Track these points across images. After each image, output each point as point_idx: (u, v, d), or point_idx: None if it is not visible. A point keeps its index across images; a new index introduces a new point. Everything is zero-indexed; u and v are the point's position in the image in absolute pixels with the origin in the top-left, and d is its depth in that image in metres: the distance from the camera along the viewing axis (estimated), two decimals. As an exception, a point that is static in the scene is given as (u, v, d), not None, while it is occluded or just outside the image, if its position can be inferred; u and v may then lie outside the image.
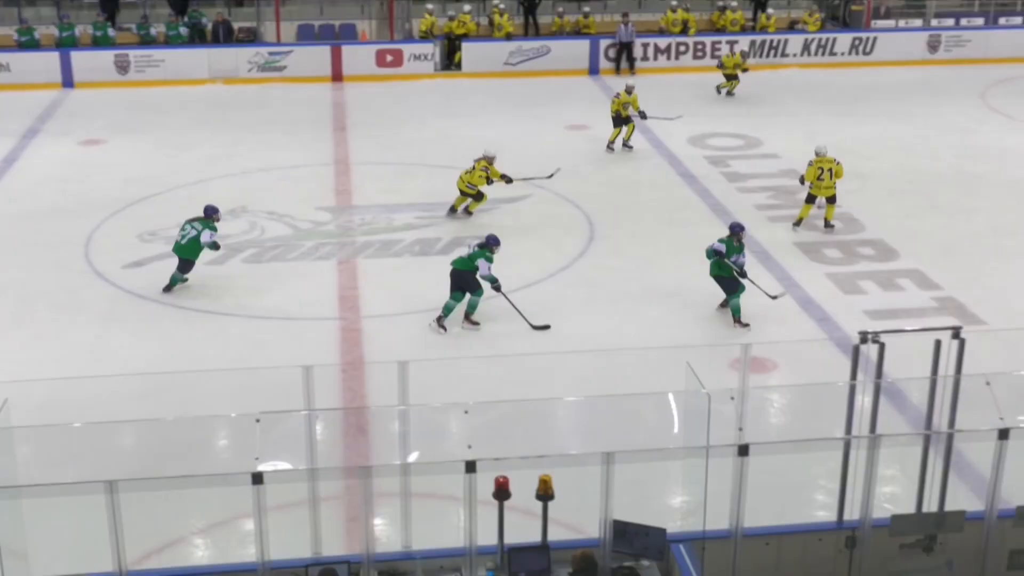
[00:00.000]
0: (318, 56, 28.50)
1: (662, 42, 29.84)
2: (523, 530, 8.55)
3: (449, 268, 14.82)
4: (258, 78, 28.13)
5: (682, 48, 29.86)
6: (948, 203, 19.55)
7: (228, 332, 14.77)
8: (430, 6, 29.97)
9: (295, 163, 21.62)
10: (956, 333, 9.31)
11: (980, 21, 31.45)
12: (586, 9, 30.88)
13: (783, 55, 30.14)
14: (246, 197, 19.60)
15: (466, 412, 8.33)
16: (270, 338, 14.52)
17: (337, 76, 28.40)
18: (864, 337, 9.24)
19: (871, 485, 8.65)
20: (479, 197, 18.59)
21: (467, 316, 14.78)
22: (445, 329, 14.61)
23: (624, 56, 29.33)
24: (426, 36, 29.23)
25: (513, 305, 14.79)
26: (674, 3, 30.49)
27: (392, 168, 21.46)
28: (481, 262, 14.54)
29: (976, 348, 9.43)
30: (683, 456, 8.72)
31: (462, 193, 18.56)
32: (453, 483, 8.13)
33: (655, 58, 29.72)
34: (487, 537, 8.35)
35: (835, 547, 9.02)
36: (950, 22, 31.28)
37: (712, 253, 14.83)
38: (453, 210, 18.69)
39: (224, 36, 29.16)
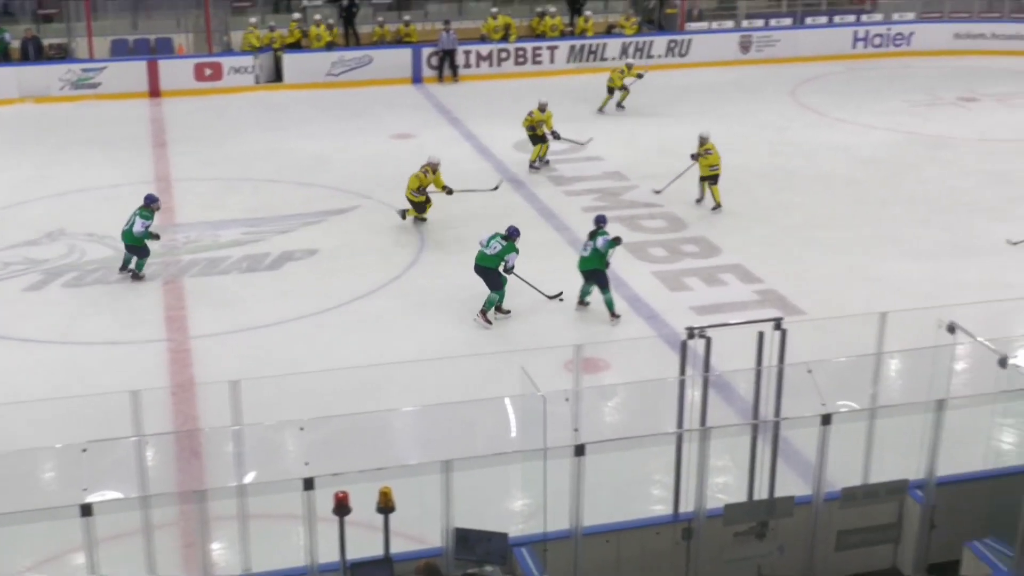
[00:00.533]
0: (134, 71, 27.77)
1: (484, 49, 30.06)
2: (365, 545, 8.48)
3: (474, 265, 15.31)
4: (71, 96, 27.25)
5: (504, 55, 30.13)
6: (765, 199, 20.21)
7: (50, 360, 14.26)
8: (253, 19, 29.52)
9: (114, 182, 21.00)
10: (778, 324, 9.62)
11: (788, 21, 32.62)
12: (407, 17, 30.88)
13: (602, 59, 30.68)
14: (64, 219, 18.96)
15: (302, 429, 8.23)
16: (95, 364, 14.08)
17: (155, 91, 27.73)
18: (691, 333, 9.47)
19: (703, 477, 8.88)
20: (422, 208, 18.63)
21: (483, 312, 15.23)
22: (490, 323, 15.20)
23: (447, 64, 29.44)
24: (252, 49, 28.76)
25: (526, 281, 15.59)
26: (494, 10, 30.74)
27: (215, 184, 21.07)
28: (511, 257, 15.14)
29: (797, 338, 9.76)
30: (522, 460, 8.78)
31: (411, 203, 18.56)
32: (292, 501, 8.02)
33: (478, 65, 29.92)
34: (329, 554, 8.26)
35: (672, 540, 9.22)
36: (760, 23, 32.36)
37: (605, 245, 15.11)
38: (404, 216, 18.81)
39: (34, 53, 28.16)
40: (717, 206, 19.35)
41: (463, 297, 15.98)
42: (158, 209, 16.75)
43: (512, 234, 15.36)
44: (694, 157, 19.64)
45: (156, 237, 16.54)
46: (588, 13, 32.04)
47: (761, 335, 9.56)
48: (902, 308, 12.67)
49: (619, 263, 17.13)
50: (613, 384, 12.10)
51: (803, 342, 10.20)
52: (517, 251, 15.25)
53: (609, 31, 31.74)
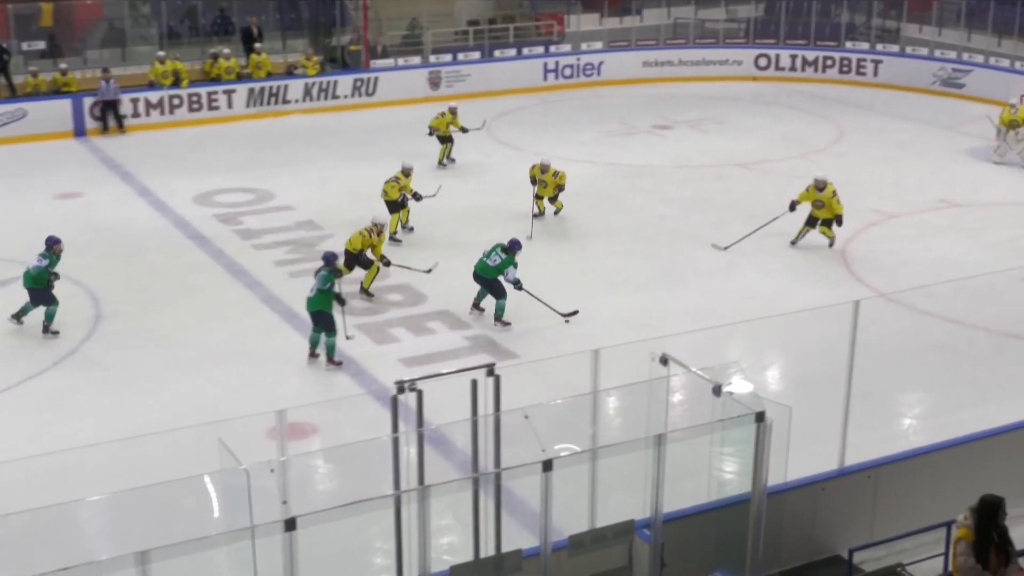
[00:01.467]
0: None
1: (153, 96, 29.33)
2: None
3: (473, 274, 16.81)
4: None
5: (176, 101, 29.50)
6: (468, 240, 20.54)
7: None
8: None
9: None
10: (491, 370, 9.78)
11: (477, 55, 33.47)
12: (63, 65, 29.73)
13: (284, 102, 30.56)
14: None
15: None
16: None
17: None
18: (401, 387, 9.48)
19: (426, 539, 8.87)
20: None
21: (497, 318, 16.71)
22: (508, 323, 16.72)
23: (110, 114, 28.53)
24: None
25: (539, 299, 16.87)
26: (161, 53, 30.07)
27: None
28: (510, 271, 16.63)
29: (512, 382, 9.95)
30: (227, 541, 8.53)
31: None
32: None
33: (148, 113, 29.16)
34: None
35: (397, 610, 9.17)
36: (448, 58, 33.05)
37: (322, 281, 15.32)
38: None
39: None
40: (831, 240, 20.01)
41: (151, 367, 15.47)
42: (59, 252, 16.87)
43: (513, 247, 16.82)
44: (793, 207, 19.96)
45: (56, 277, 16.73)
46: (259, 48, 31.49)
47: (474, 383, 9.68)
48: (614, 343, 13.15)
49: (319, 318, 17.00)
50: (322, 449, 11.98)
51: (518, 386, 10.42)
52: (516, 265, 16.69)
53: (289, 72, 31.63)
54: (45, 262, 16.72)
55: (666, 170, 25.15)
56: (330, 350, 15.58)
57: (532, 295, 16.92)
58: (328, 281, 15.41)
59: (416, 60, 32.85)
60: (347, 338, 15.99)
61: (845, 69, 34.66)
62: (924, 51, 33.89)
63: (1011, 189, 24.12)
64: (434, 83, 32.38)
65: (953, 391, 15.20)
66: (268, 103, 30.45)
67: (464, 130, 25.37)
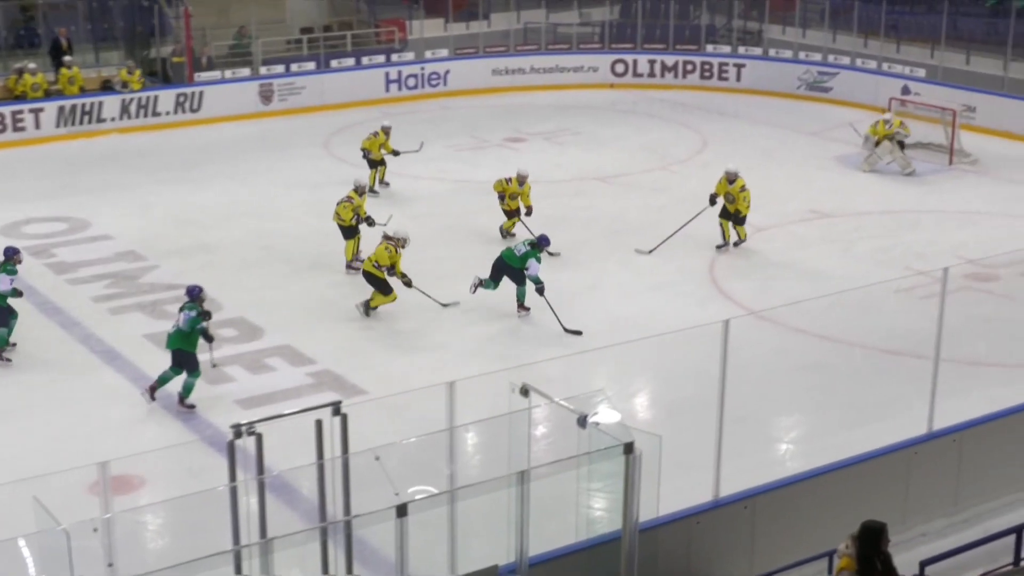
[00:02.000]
0: None
1: (-52, 117, 28.55)
2: None
3: (497, 256, 18.23)
4: None
5: (-24, 122, 28.77)
6: (309, 266, 20.40)
7: None
8: None
9: None
10: (337, 409, 9.71)
11: (312, 66, 33.30)
12: None
13: (99, 120, 29.99)
14: None
15: None
16: None
17: None
18: (238, 431, 9.36)
19: (271, 597, 8.76)
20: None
21: (520, 304, 18.25)
22: (527, 309, 18.29)
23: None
24: None
25: (551, 307, 17.71)
26: (-44, 71, 29.30)
27: None
28: (532, 262, 17.82)
29: (361, 421, 9.90)
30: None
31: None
32: None
33: (-59, 137, 28.35)
34: None
35: None
36: (280, 69, 32.82)
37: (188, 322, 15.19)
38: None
39: None
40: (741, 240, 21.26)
41: (-47, 421, 15.01)
42: (20, 262, 16.92)
43: (541, 242, 18.22)
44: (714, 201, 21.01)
45: (19, 294, 16.75)
46: (70, 62, 30.76)
47: (319, 423, 9.61)
48: (471, 374, 13.16)
49: (147, 360, 16.68)
50: (152, 503, 11.73)
51: (368, 425, 10.38)
52: (539, 259, 17.91)
53: (105, 87, 31.01)
54: (13, 278, 16.43)
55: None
56: (187, 391, 15.35)
57: (548, 303, 17.77)
58: (196, 322, 15.21)
59: (245, 72, 32.53)
60: (213, 367, 16.00)
61: (707, 74, 35.40)
62: (788, 53, 34.82)
63: (882, 197, 24.88)
64: (265, 97, 32.12)
65: (830, 412, 15.56)
66: (81, 122, 29.83)
67: (395, 153, 25.00)
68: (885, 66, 32.90)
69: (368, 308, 18.27)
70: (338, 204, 20.26)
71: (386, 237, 18.21)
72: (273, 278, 19.94)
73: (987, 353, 17.23)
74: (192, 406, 15.32)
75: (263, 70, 32.72)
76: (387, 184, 25.19)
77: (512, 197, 21.67)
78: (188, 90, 31.35)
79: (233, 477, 9.49)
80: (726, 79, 35.24)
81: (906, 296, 18.67)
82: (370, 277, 18.19)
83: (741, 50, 35.69)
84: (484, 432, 10.57)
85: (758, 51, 35.53)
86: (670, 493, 10.71)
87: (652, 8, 37.81)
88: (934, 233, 22.70)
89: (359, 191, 20.50)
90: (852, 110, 31.48)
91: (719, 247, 21.12)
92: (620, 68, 35.76)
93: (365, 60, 34.18)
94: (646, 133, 30.19)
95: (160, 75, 32.55)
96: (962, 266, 19.34)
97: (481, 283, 18.41)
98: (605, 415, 9.95)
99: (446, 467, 10.06)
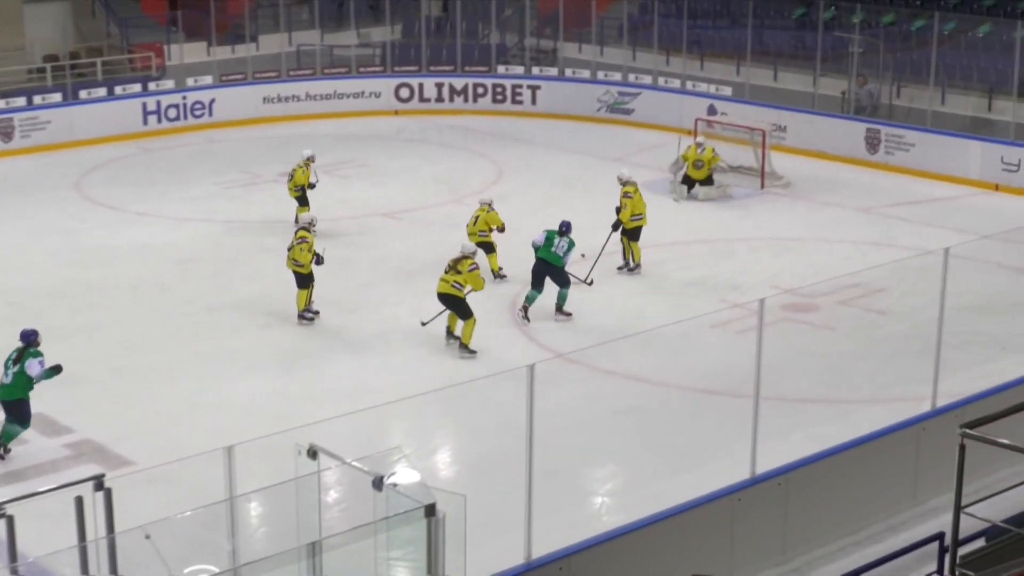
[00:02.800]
0: None
1: None
2: None
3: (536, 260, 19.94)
4: None
5: None
6: (62, 324, 19.88)
7: None
8: None
9: None
10: (100, 483, 9.48)
11: (57, 97, 32.51)
12: None
13: None
14: None
15: None
16: None
17: None
18: (-18, 513, 9.07)
19: None
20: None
21: (559, 308, 20.06)
22: (529, 320, 19.89)
23: None
24: None
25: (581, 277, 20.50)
26: None
27: None
28: (568, 256, 20.04)
29: (129, 495, 9.68)
30: None
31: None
32: None
33: None
34: None
35: None
36: (21, 101, 31.95)
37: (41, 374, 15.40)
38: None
39: None
40: (637, 265, 22.48)
41: None
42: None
43: (565, 229, 20.09)
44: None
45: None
46: None
47: (80, 500, 9.37)
48: (251, 437, 12.97)
49: None
50: None
51: (136, 500, 10.14)
52: (574, 244, 20.11)
53: None
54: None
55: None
56: (8, 437, 15.57)
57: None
58: (50, 375, 15.41)
59: (-29, 107, 31.67)
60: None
61: (499, 97, 35.82)
62: (586, 73, 35.48)
63: (693, 225, 25.50)
64: (5, 134, 31.27)
65: (647, 460, 15.79)
66: None
67: (311, 186, 24.79)
68: (689, 84, 33.76)
69: (464, 347, 18.68)
70: (291, 249, 19.98)
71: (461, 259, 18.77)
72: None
73: (809, 389, 17.73)
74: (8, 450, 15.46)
75: (1, 103, 31.86)
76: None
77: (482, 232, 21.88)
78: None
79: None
80: (520, 102, 35.71)
81: (722, 331, 19.11)
82: (449, 300, 18.75)
83: (535, 71, 36.26)
84: (269, 500, 10.43)
85: (553, 71, 36.11)
86: (478, 558, 10.71)
87: (437, 27, 38.12)
88: (749, 262, 23.33)
89: (310, 228, 20.14)
90: (656, 133, 32.16)
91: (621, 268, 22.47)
92: (405, 93, 35.93)
93: (119, 90, 33.61)
94: (436, 163, 30.37)
95: None
96: (779, 297, 19.89)
97: (527, 304, 19.99)
98: (403, 475, 9.92)
99: (227, 542, 9.89)
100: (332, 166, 29.86)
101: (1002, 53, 30.35)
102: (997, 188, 28.12)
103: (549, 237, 19.92)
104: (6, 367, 15.56)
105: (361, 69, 36.40)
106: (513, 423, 11.76)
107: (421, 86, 35.96)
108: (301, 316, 19.92)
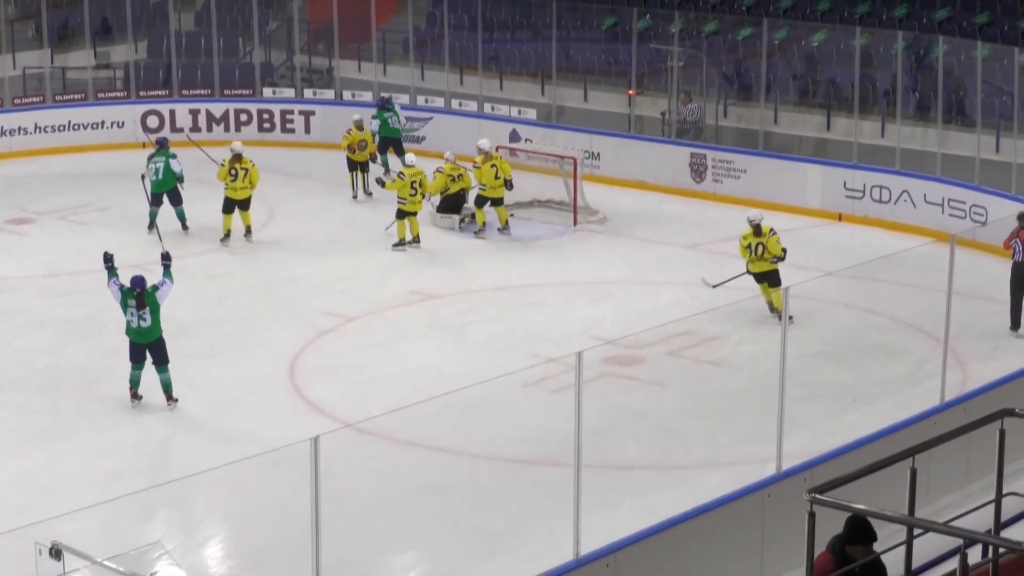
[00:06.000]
0: None
1: None
2: None
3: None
4: None
5: None
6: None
7: None
8: None
9: None
10: None
11: None
12: None
13: None
14: None
15: None
16: None
17: None
18: None
19: None
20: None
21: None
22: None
23: None
24: None
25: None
26: None
27: None
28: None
29: None
30: None
31: None
32: None
33: None
34: None
35: None
36: None
37: None
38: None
39: None
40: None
41: None
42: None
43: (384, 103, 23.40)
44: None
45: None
46: None
47: None
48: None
49: None
50: None
51: None
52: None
53: None
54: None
55: (32, 282, 24.67)
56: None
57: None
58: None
59: None
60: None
61: (266, 125, 35.69)
62: (367, 96, 35.41)
63: (496, 269, 25.64)
64: None
65: (455, 544, 15.80)
66: None
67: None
68: (488, 107, 34.00)
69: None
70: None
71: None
72: None
73: (638, 454, 17.95)
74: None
75: None
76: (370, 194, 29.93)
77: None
78: None
79: None
80: (292, 130, 35.65)
81: (535, 390, 19.23)
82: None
83: (308, 93, 36.18)
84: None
85: (329, 94, 36.08)
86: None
87: (189, 44, 37.75)
88: (562, 311, 23.52)
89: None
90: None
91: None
92: (154, 121, 35.44)
93: None
94: (192, 203, 29.94)
95: None
96: (599, 349, 20.06)
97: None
98: (166, 574, 9.79)
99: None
100: (68, 210, 29.40)
101: (840, 64, 31.12)
102: (840, 218, 28.86)
103: (380, 117, 23.18)
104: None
105: (100, 95, 35.87)
106: (296, 506, 11.67)
107: (173, 113, 35.53)
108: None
